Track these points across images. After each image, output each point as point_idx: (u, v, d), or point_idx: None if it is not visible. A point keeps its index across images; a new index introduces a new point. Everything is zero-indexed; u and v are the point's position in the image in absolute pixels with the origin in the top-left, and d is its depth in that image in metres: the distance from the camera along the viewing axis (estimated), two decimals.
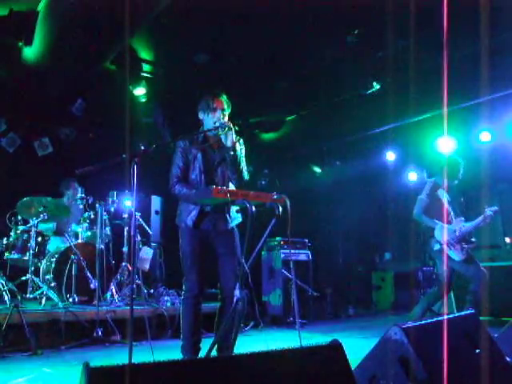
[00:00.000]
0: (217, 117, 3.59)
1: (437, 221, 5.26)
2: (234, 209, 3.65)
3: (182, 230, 3.64)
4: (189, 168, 3.64)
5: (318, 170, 10.06)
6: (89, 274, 5.71)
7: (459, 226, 5.25)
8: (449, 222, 5.30)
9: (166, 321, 5.64)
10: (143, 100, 7.66)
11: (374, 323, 7.29)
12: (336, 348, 1.91)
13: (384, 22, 5.43)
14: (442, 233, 5.21)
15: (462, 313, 2.69)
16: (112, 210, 6.46)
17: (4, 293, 5.33)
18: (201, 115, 3.70)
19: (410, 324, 2.26)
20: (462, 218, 5.35)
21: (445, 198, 5.39)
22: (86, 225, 6.32)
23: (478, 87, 6.30)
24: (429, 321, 2.41)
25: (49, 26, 5.43)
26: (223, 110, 3.63)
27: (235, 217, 3.68)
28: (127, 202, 6.48)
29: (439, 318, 2.41)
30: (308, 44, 6.47)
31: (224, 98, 3.67)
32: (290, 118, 9.06)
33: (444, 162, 5.54)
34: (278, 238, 7.42)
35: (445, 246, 5.17)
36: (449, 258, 5.18)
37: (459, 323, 2.48)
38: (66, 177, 6.67)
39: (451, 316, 2.54)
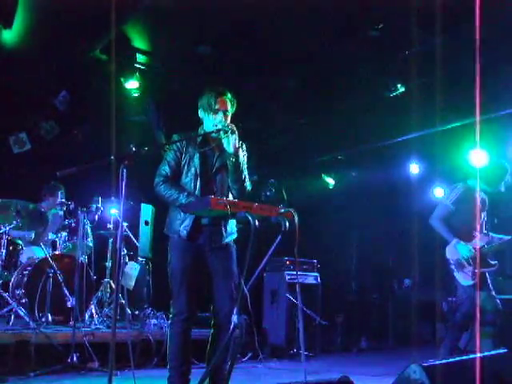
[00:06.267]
0: (218, 119, 3.58)
1: (454, 237, 5.14)
2: (232, 222, 3.63)
3: (173, 241, 3.62)
4: (181, 170, 3.62)
5: (331, 181, 10.05)
6: (66, 291, 5.70)
7: (481, 244, 5.17)
8: (472, 237, 5.18)
9: (151, 347, 5.61)
10: (136, 95, 7.66)
11: (391, 359, 7.24)
12: None
13: (411, 16, 5.43)
14: (453, 250, 5.15)
15: (493, 351, 2.65)
16: (96, 218, 6.43)
17: None
18: (201, 113, 3.70)
19: (432, 362, 2.23)
20: (490, 235, 5.26)
21: (480, 203, 5.22)
22: (66, 234, 6.31)
23: None
24: (455, 359, 2.38)
25: (31, 7, 5.47)
26: (226, 111, 3.63)
27: (232, 231, 3.66)
28: (113, 210, 6.47)
29: (467, 357, 2.38)
30: (323, 38, 6.48)
31: (228, 96, 3.67)
32: (300, 121, 9.05)
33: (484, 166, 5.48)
34: (283, 258, 7.39)
35: (452, 267, 5.14)
36: (456, 281, 5.14)
37: (490, 363, 2.44)
38: (50, 180, 6.65)
39: (481, 354, 2.51)
